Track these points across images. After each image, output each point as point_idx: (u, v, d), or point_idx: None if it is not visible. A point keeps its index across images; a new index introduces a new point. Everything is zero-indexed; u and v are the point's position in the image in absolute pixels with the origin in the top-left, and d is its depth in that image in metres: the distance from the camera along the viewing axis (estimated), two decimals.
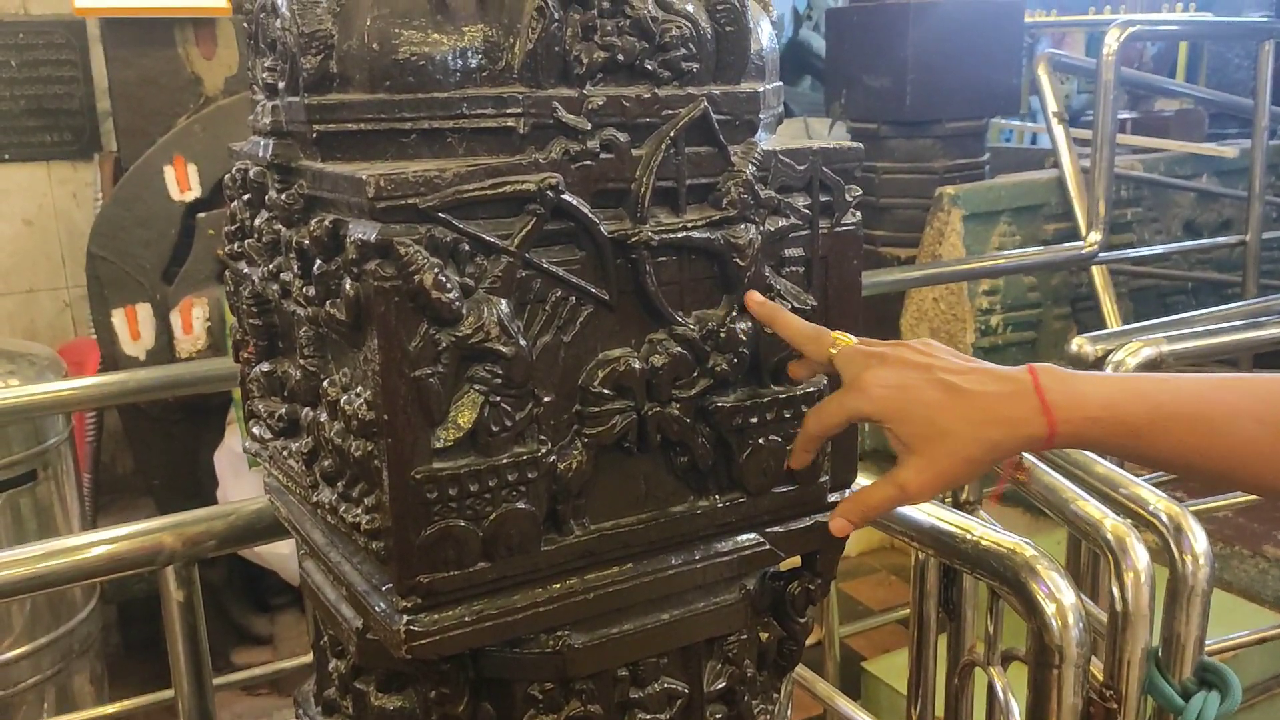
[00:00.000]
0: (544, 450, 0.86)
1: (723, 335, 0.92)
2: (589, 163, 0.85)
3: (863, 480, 1.33)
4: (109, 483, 3.40)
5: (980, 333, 3.53)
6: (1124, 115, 5.90)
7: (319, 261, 0.84)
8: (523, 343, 0.83)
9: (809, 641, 3.02)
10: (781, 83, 1.02)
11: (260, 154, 0.93)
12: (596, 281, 0.87)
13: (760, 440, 0.95)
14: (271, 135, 0.91)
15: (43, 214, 3.40)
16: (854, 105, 4.06)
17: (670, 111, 0.88)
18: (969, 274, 3.16)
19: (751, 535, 0.99)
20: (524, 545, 0.86)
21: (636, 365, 0.89)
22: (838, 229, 0.98)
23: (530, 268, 0.84)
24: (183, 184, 2.83)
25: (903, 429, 0.87)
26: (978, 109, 3.94)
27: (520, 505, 0.85)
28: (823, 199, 0.97)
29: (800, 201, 0.96)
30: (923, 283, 3.28)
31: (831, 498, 1.03)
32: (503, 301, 0.83)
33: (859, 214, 1.00)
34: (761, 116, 0.94)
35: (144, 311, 2.87)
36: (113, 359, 2.87)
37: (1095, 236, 3.12)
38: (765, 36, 0.99)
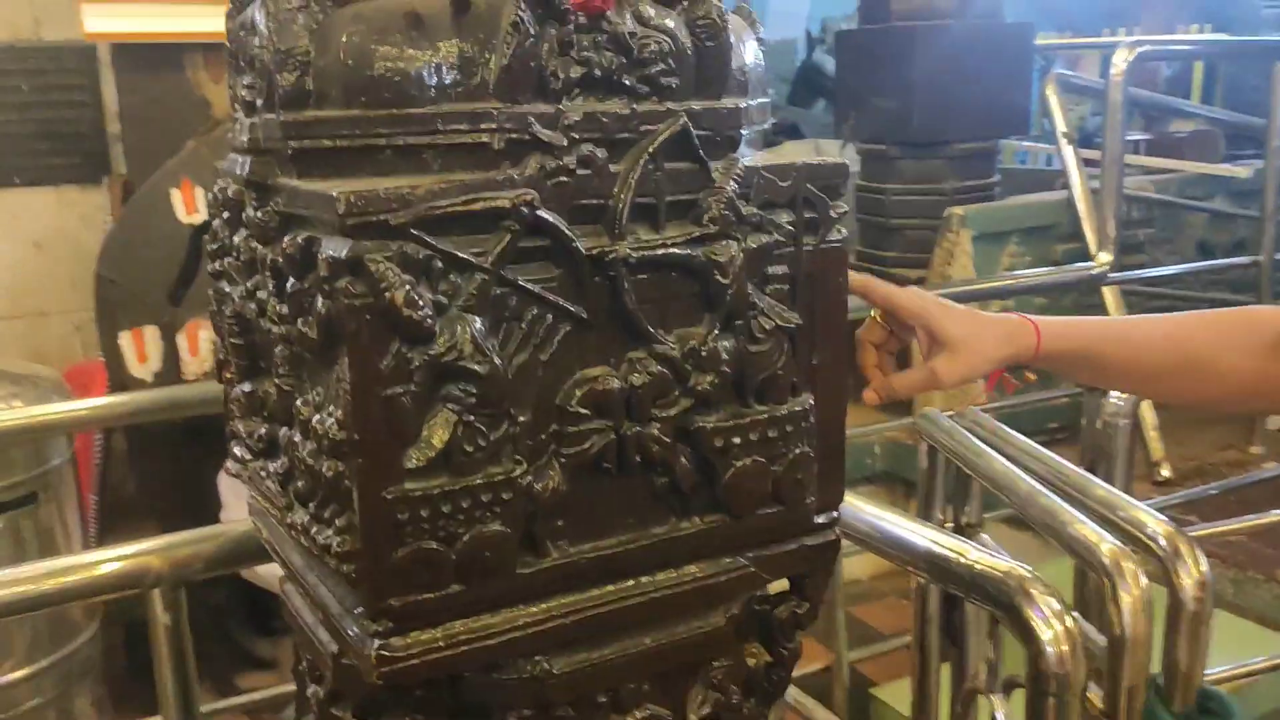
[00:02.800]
0: (519, 471, 0.85)
1: (704, 354, 0.90)
2: (565, 179, 0.84)
3: (858, 503, 1.31)
4: (116, 505, 3.40)
5: None
6: (1138, 136, 5.89)
7: (292, 279, 0.84)
8: (497, 361, 0.82)
9: (818, 666, 2.98)
10: (768, 99, 1.01)
11: (238, 171, 0.92)
12: (574, 299, 0.86)
13: (744, 461, 0.94)
14: (249, 152, 0.91)
15: (52, 237, 3.42)
16: (863, 126, 4.05)
17: (649, 127, 0.87)
18: (978, 294, 3.13)
19: (736, 558, 0.97)
20: (499, 568, 0.85)
21: (615, 384, 0.87)
22: (823, 245, 0.97)
23: (505, 285, 0.83)
24: (190, 206, 2.84)
25: None
26: (987, 130, 3.93)
27: (495, 527, 0.84)
28: (807, 215, 0.95)
29: (784, 218, 0.94)
30: None
31: (818, 519, 1.01)
32: (477, 319, 0.82)
33: (845, 230, 0.98)
34: (744, 132, 0.93)
35: (151, 334, 2.87)
36: (120, 381, 2.87)
37: (1105, 257, 3.10)
38: (750, 53, 0.98)
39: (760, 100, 0.99)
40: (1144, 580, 1.09)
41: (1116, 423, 1.85)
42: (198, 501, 3.09)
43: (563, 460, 0.87)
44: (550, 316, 0.85)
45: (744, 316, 0.92)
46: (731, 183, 0.90)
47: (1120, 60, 3.02)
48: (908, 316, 1.14)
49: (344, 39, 0.83)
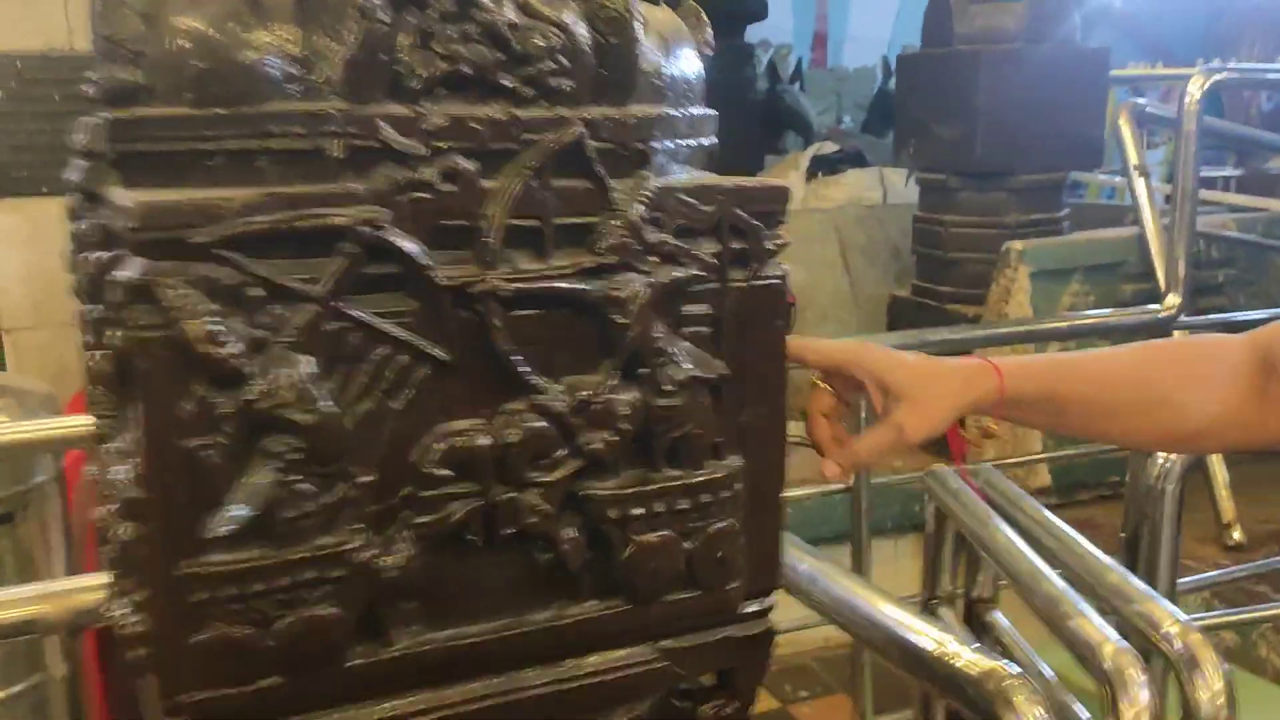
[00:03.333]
0: (358, 542, 0.71)
1: (596, 407, 0.76)
2: (424, 195, 0.70)
3: (829, 570, 1.15)
4: None
5: None
6: (1228, 172, 5.58)
7: (95, 304, 0.71)
8: (327, 409, 0.68)
9: None
10: (710, 111, 0.87)
11: (72, 178, 0.80)
12: (434, 338, 0.72)
13: (647, 536, 0.79)
14: (84, 156, 0.79)
15: None
16: (922, 154, 3.87)
17: (533, 136, 0.73)
18: (1034, 335, 2.92)
19: (641, 649, 0.82)
20: (328, 658, 0.71)
21: (483, 441, 0.73)
22: (755, 282, 0.81)
23: (343, 319, 0.69)
24: None
25: None
26: (1055, 161, 3.72)
27: (324, 609, 0.70)
28: (736, 246, 0.80)
29: (707, 249, 0.79)
30: (985, 343, 3.05)
31: (749, 607, 0.86)
32: (306, 360, 0.68)
33: (786, 265, 0.83)
34: (660, 145, 0.78)
35: None
36: None
37: (1174, 299, 2.86)
38: (684, 58, 0.83)
39: (690, 111, 0.84)
40: (1148, 692, 0.91)
41: (1163, 487, 1.65)
42: None
43: (416, 530, 0.73)
44: (404, 358, 0.71)
45: (650, 364, 0.77)
46: (638, 205, 0.76)
47: (1195, 88, 2.80)
48: (853, 371, 1.00)
49: (173, 23, 0.70)
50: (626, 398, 0.77)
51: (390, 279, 0.70)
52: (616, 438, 0.77)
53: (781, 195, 0.82)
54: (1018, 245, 3.31)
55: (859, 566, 2.52)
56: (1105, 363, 1.11)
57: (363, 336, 0.70)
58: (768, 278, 0.82)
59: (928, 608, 1.46)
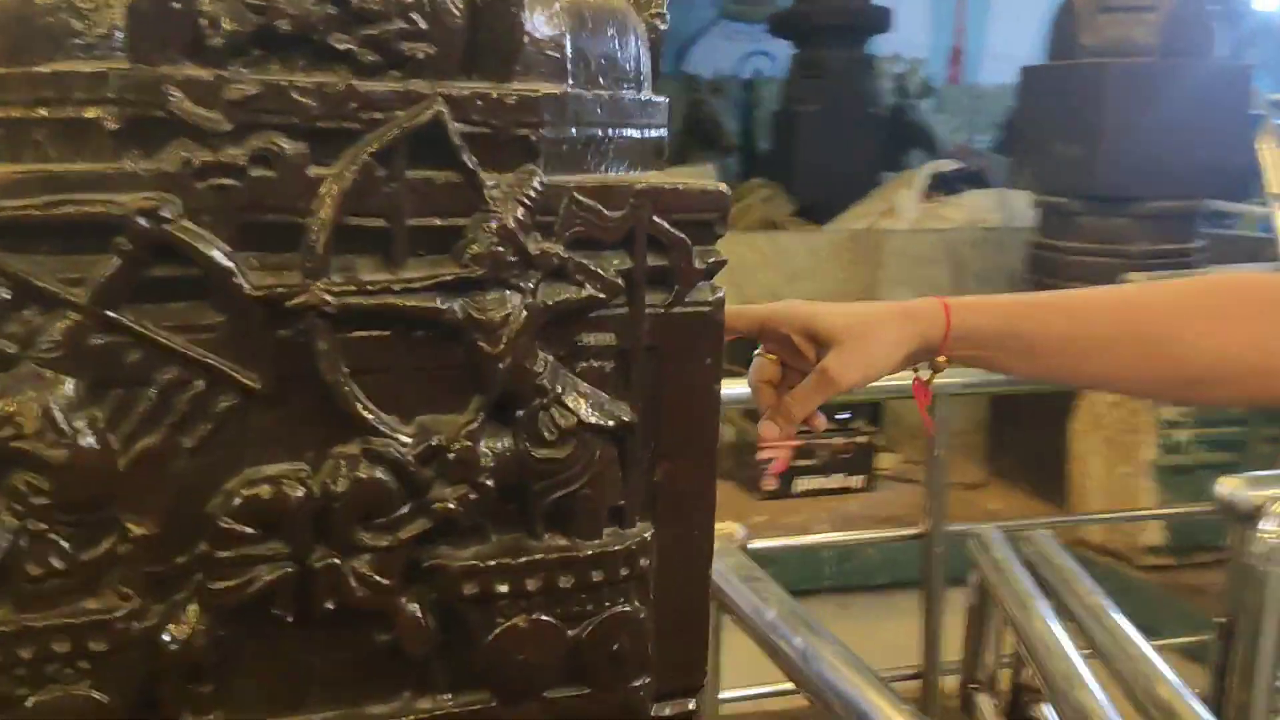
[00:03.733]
0: (129, 609, 0.57)
1: (453, 455, 0.60)
2: (229, 181, 0.56)
3: (829, 657, 1.00)
4: None
5: (1164, 449, 2.97)
6: None
7: None
8: (84, 443, 0.55)
9: None
10: (656, 99, 0.71)
11: None
12: (242, 360, 0.58)
13: (517, 620, 0.63)
14: None
15: None
16: (1042, 174, 3.60)
17: (378, 114, 0.58)
18: None
19: None
20: None
21: (296, 491, 0.59)
22: (678, 308, 0.65)
23: (118, 332, 0.55)
24: None
25: None
26: (1189, 188, 3.40)
27: (82, 689, 0.57)
28: (655, 263, 0.64)
29: (616, 264, 0.63)
30: None
31: (663, 710, 0.69)
32: (67, 381, 0.55)
33: (722, 290, 0.67)
34: (557, 133, 0.62)
35: None
36: None
37: None
38: (607, 32, 0.68)
39: (629, 96, 0.68)
40: None
41: (1265, 569, 1.41)
42: None
43: (210, 598, 0.59)
44: (200, 384, 0.57)
45: (527, 404, 0.62)
46: (519, 206, 0.60)
47: None
48: (778, 326, 0.93)
49: None
50: (496, 445, 0.61)
51: (190, 286, 0.57)
52: (475, 495, 0.61)
53: (718, 201, 0.66)
54: (1138, 278, 3.02)
55: (930, 617, 2.30)
56: (1087, 295, 0.97)
57: (144, 355, 0.56)
58: (696, 303, 0.66)
59: (966, 692, 1.26)
